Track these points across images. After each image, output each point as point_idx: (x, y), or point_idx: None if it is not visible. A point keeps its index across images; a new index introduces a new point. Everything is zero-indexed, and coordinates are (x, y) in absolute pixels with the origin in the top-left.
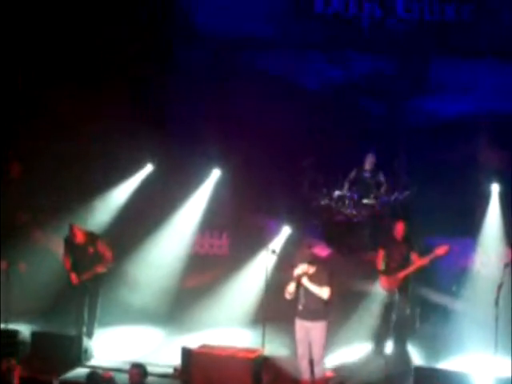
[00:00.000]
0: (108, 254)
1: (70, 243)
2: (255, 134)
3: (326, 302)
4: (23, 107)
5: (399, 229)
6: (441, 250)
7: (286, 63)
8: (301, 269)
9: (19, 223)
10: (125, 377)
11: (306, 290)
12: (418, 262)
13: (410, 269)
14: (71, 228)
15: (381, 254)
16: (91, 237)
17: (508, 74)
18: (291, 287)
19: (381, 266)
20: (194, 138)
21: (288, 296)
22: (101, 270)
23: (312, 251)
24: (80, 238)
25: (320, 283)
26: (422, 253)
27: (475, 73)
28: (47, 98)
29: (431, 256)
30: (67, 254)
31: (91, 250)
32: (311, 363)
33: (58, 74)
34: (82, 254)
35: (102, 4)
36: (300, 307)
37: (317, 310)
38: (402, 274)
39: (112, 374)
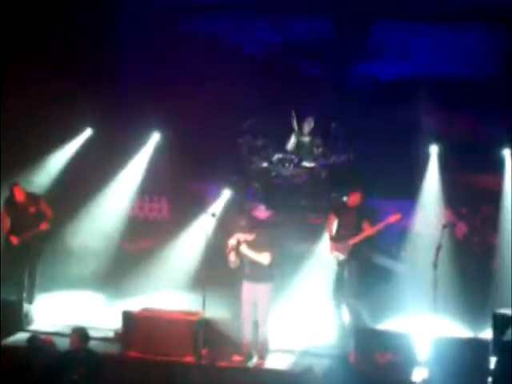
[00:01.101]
0: (49, 212)
1: (10, 204)
2: (194, 97)
3: (270, 265)
4: None
5: (355, 198)
6: (393, 219)
7: (225, 26)
8: (235, 239)
9: None
10: (66, 341)
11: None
12: (369, 229)
13: (361, 236)
14: (12, 188)
15: (331, 220)
16: (32, 196)
17: (445, 36)
18: (231, 257)
19: (331, 232)
20: (134, 101)
21: (232, 265)
22: (44, 227)
23: (250, 218)
24: (20, 198)
25: (260, 249)
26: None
27: (412, 35)
28: None
29: (382, 224)
30: (7, 215)
31: (32, 209)
32: (255, 325)
33: None
34: (22, 213)
35: None
36: (247, 270)
37: (262, 273)
38: (352, 241)
39: (52, 338)
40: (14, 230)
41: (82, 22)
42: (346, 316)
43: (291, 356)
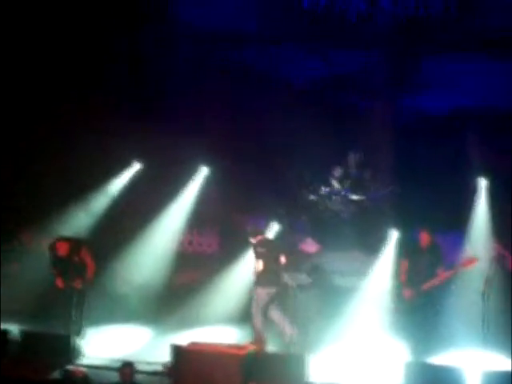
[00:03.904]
0: (90, 264)
1: (53, 254)
2: (243, 130)
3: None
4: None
5: (423, 238)
6: (467, 263)
7: (272, 59)
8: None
9: (8, 225)
10: (114, 375)
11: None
12: (442, 274)
13: (435, 281)
14: (54, 243)
15: (404, 265)
16: (75, 246)
17: (495, 71)
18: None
19: (404, 278)
20: (182, 135)
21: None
22: (78, 286)
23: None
24: (63, 251)
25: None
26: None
27: (462, 68)
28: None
29: (457, 269)
30: (52, 262)
31: (75, 259)
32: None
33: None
34: (65, 264)
35: None
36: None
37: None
38: (425, 287)
39: (85, 370)
40: (59, 275)
41: (132, 59)
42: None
43: None
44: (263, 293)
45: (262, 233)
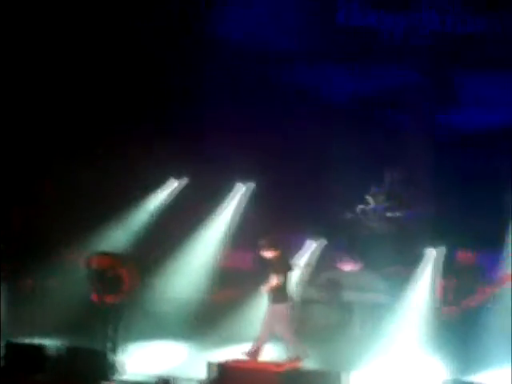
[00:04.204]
0: (128, 280)
1: (91, 269)
2: (281, 148)
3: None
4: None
5: (463, 256)
6: (506, 280)
7: (310, 77)
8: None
9: (49, 240)
10: None
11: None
12: (482, 292)
13: (474, 299)
14: (92, 257)
15: (442, 283)
16: (113, 261)
17: None
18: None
19: (442, 295)
20: (220, 153)
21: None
22: (114, 301)
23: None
24: (101, 266)
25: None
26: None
27: (501, 86)
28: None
29: (496, 286)
30: (89, 277)
31: (113, 274)
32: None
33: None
34: (102, 279)
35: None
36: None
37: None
38: (465, 305)
39: None
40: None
41: (174, 75)
42: None
43: None
44: (283, 308)
45: (275, 247)
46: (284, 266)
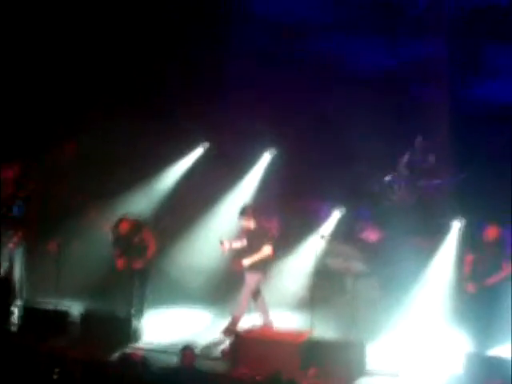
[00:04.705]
0: (152, 245)
1: (116, 232)
2: (307, 117)
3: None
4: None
5: (490, 232)
6: None
7: (338, 48)
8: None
9: (74, 204)
10: (173, 358)
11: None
12: (507, 269)
13: (500, 276)
14: (117, 222)
15: (469, 258)
16: (138, 226)
17: None
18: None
19: (468, 271)
20: (247, 120)
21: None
22: (137, 266)
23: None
24: (125, 230)
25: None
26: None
27: None
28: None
29: None
30: (113, 241)
31: (137, 239)
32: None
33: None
34: (127, 244)
35: None
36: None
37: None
38: (490, 281)
39: (143, 353)
40: (120, 256)
41: (199, 41)
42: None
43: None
44: (253, 276)
45: (254, 217)
46: (262, 238)
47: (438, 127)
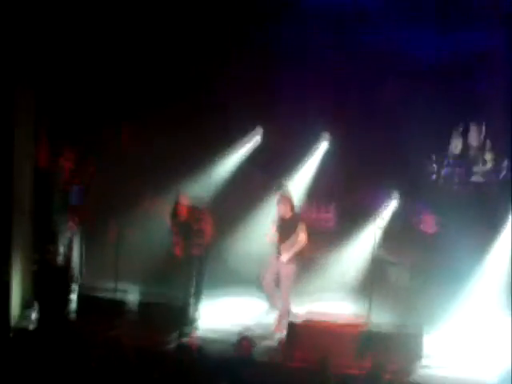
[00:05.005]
0: (210, 231)
1: (174, 218)
2: (365, 107)
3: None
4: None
5: None
6: None
7: (393, 38)
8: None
9: (131, 190)
10: (229, 348)
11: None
12: None
13: None
14: (175, 207)
15: None
16: (196, 212)
17: None
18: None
19: None
20: (303, 108)
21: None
22: (196, 253)
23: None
24: (183, 216)
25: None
26: None
27: None
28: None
29: None
30: (172, 227)
31: (194, 226)
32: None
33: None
34: (185, 229)
35: None
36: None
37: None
38: None
39: (199, 342)
40: (179, 242)
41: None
42: None
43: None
44: (293, 268)
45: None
46: (295, 226)
47: (496, 118)
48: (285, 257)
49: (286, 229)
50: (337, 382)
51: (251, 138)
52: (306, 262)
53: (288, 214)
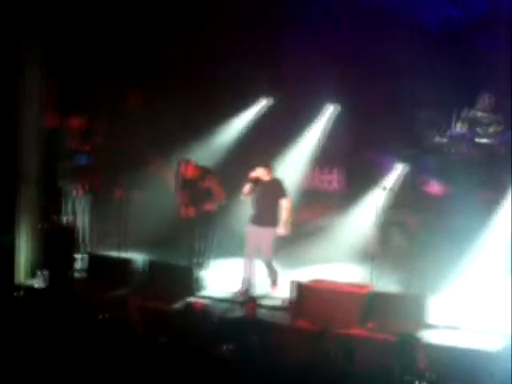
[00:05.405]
0: (219, 190)
1: (181, 178)
2: (371, 70)
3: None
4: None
5: None
6: None
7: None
8: (256, 173)
9: (137, 153)
10: (235, 308)
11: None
12: None
13: None
14: (181, 163)
15: None
16: (203, 172)
17: None
18: (246, 189)
19: None
20: (309, 73)
21: (242, 197)
22: (209, 208)
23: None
24: (191, 173)
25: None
26: None
27: None
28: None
29: None
30: (178, 188)
31: (204, 185)
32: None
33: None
34: (194, 189)
35: None
36: (253, 213)
37: (267, 218)
38: None
39: (205, 302)
40: (186, 203)
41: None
42: None
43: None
44: (273, 232)
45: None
46: (279, 191)
47: (504, 82)
48: (282, 230)
49: (265, 193)
50: (339, 346)
51: (257, 103)
52: (308, 225)
53: (266, 177)
